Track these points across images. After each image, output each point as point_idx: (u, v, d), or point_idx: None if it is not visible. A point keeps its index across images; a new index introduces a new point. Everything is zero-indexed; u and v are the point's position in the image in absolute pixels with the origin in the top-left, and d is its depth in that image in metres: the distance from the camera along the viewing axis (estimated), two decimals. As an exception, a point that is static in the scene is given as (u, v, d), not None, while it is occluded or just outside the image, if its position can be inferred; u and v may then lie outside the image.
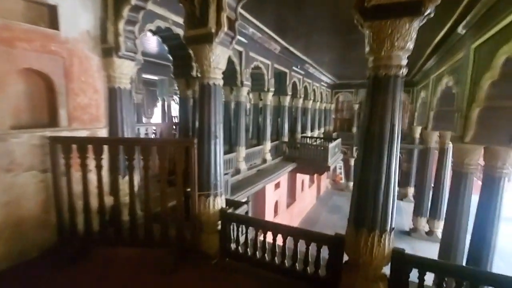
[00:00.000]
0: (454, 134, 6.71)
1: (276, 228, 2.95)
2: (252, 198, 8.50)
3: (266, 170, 8.89)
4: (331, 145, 10.25)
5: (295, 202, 12.87)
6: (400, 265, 2.34)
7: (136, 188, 3.75)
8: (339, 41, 8.65)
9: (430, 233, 11.49)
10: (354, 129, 18.58)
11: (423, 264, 2.31)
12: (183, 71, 5.85)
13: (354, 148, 18.05)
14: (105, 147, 3.23)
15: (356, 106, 18.51)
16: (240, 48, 7.09)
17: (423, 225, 11.68)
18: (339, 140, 12.07)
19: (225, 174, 5.83)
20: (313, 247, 2.81)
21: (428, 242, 11.38)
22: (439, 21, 7.16)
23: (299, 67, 11.58)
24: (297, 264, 2.86)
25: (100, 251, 3.34)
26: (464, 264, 6.65)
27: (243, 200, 4.62)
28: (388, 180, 2.26)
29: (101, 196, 3.29)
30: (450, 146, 10.63)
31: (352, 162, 18.25)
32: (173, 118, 14.14)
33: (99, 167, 3.20)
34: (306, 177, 14.32)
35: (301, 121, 13.25)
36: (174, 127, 9.93)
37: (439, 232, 11.37)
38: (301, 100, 12.66)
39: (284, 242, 2.91)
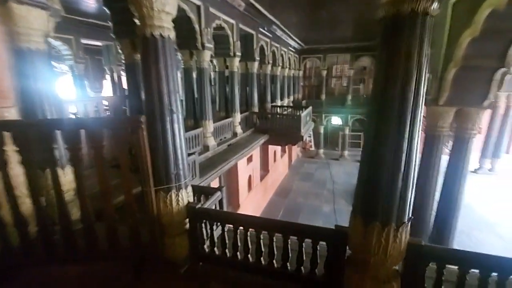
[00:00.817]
0: (428, 97, 6.54)
1: (261, 224, 2.35)
2: (224, 176, 7.89)
3: (238, 144, 8.21)
4: (303, 114, 9.80)
5: (269, 173, 12.59)
6: (417, 259, 1.90)
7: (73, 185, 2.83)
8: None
9: (395, 193, 12.13)
10: (323, 96, 18.39)
11: (444, 257, 1.90)
12: (127, 29, 4.63)
13: (323, 116, 18.04)
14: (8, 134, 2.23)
15: (324, 72, 18.13)
16: (197, 2, 5.88)
17: (389, 186, 12.24)
18: (310, 109, 11.67)
19: (191, 153, 5.03)
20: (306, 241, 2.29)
21: (394, 201, 12.08)
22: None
23: (266, 28, 10.51)
24: (288, 264, 2.33)
25: (25, 274, 2.49)
26: (432, 222, 6.96)
27: (216, 186, 3.95)
28: (409, 158, 1.70)
29: (13, 201, 2.36)
30: (416, 109, 10.82)
31: (321, 129, 18.34)
32: (125, 91, 12.42)
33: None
34: (278, 147, 13.99)
35: (270, 89, 12.49)
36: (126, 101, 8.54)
37: (403, 191, 12.07)
38: (269, 67, 11.77)
39: (272, 239, 2.34)
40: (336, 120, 20.45)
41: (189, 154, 4.97)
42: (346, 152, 18.23)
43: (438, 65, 6.18)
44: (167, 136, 2.31)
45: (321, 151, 18.92)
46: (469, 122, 6.11)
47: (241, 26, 8.27)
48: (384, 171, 1.73)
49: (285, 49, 14.32)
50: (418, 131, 1.69)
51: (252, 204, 10.35)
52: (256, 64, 9.88)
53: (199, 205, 2.54)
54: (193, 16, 5.81)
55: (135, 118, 2.14)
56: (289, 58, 15.33)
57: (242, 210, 9.18)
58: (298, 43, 15.89)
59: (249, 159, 9.87)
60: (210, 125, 6.74)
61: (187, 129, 6.88)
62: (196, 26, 5.97)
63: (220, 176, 7.11)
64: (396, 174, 1.70)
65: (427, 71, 1.63)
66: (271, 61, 11.76)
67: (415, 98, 1.61)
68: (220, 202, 3.33)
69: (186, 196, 2.52)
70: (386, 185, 1.74)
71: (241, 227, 2.43)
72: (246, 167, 9.55)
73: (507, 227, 9.14)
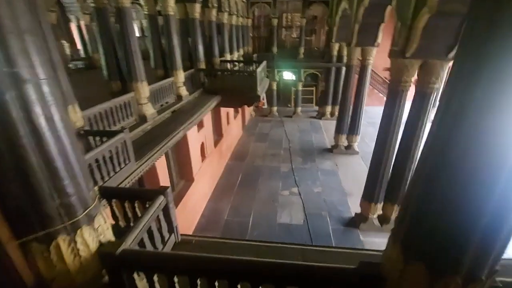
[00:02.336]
0: (395, 48, 5.99)
1: (232, 270, 1.39)
2: (172, 150, 6.58)
3: (184, 110, 6.80)
4: (259, 70, 8.59)
5: (223, 138, 11.55)
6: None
7: None
8: None
9: (348, 147, 12.47)
10: (275, 49, 17.08)
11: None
12: None
13: (276, 71, 16.96)
14: None
15: (275, 22, 16.52)
16: None
17: (343, 141, 12.48)
18: (264, 63, 10.44)
19: (118, 132, 3.62)
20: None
21: (347, 155, 12.47)
22: None
23: (207, -41, 8.36)
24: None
25: None
26: (390, 173, 7.04)
27: (161, 167, 2.81)
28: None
29: None
30: (370, 62, 10.53)
31: (274, 85, 17.40)
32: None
33: None
34: (231, 109, 12.80)
35: (217, 41, 10.69)
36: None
37: (356, 145, 12.46)
38: (214, 12, 9.82)
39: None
40: (288, 75, 19.69)
41: (114, 133, 3.56)
42: (299, 109, 17.99)
43: (407, 12, 5.50)
44: (16, 133, 1.04)
45: (275, 108, 18.32)
46: (433, 75, 5.82)
47: (173, -50, 6.18)
48: (483, 186, 0.87)
49: (232, -9, 12.19)
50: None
51: (207, 174, 9.42)
52: (197, 6, 7.95)
53: (121, 247, 1.43)
54: None
55: None
56: (236, 3, 13.24)
57: (196, 183, 8.21)
58: (245, -16, 13.72)
59: (200, 125, 8.59)
60: (144, 88, 5.16)
61: (113, 95, 5.19)
62: None
63: (167, 153, 5.83)
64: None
65: None
66: (216, 5, 9.78)
67: None
68: (165, 211, 2.26)
69: (93, 237, 1.37)
70: (483, 214, 0.89)
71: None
72: (197, 135, 8.30)
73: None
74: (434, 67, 5.74)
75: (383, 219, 7.48)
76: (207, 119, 9.25)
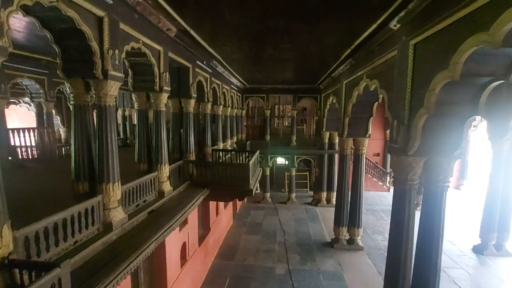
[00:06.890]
0: (395, 146, 5.71)
1: None
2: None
3: (164, 209, 5.88)
4: (251, 162, 8.14)
5: (210, 232, 10.20)
6: None
7: None
8: (254, 27, 6.68)
9: (351, 241, 11.11)
10: (268, 137, 17.52)
11: None
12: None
13: (269, 157, 16.92)
14: None
15: (268, 112, 17.52)
16: (99, 12, 3.94)
17: (344, 234, 11.22)
18: (257, 153, 10.18)
19: (54, 265, 2.61)
20: None
21: (351, 252, 10.95)
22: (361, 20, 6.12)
23: (205, 62, 9.04)
24: None
25: None
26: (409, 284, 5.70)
27: None
28: None
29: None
30: (364, 152, 10.44)
31: (267, 171, 17.04)
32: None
33: None
34: (221, 198, 11.86)
35: (211, 130, 10.71)
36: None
37: (359, 239, 11.13)
38: (209, 105, 10.14)
39: None
40: (281, 160, 19.71)
41: (46, 266, 2.56)
42: (293, 195, 17.17)
43: (403, 111, 5.45)
44: None
45: (268, 194, 17.46)
46: (441, 173, 5.36)
47: (171, 55, 6.53)
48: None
49: (227, 87, 13.10)
50: None
51: (187, 280, 7.73)
52: (192, 102, 8.10)
53: None
54: (88, 29, 3.81)
55: None
56: (231, 97, 14.12)
57: (172, 299, 6.52)
58: (240, 81, 14.99)
59: (183, 222, 7.50)
60: (115, 191, 4.38)
61: (78, 198, 4.34)
62: (94, 44, 3.95)
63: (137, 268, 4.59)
64: None
65: None
66: (211, 99, 10.18)
67: None
68: None
69: None
70: None
71: None
72: (178, 235, 7.10)
73: None
74: (440, 165, 5.31)
75: None
76: (193, 213, 8.22)
